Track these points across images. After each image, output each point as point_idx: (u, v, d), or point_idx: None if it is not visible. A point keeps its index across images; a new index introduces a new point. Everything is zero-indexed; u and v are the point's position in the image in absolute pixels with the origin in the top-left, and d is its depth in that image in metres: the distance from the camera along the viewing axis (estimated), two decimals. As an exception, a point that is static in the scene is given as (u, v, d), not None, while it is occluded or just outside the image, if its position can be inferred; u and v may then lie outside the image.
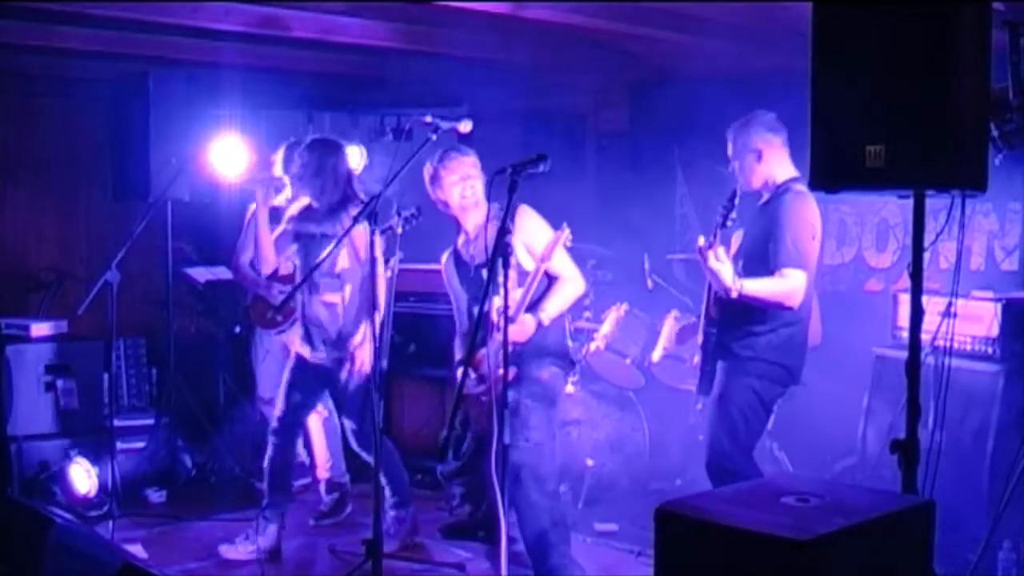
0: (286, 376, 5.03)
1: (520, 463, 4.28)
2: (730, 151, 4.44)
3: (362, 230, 4.61)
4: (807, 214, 4.26)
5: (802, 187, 4.28)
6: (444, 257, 4.74)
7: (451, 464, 4.81)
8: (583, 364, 5.86)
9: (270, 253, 5.02)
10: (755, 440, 4.38)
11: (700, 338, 4.51)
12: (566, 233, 4.35)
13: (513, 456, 4.27)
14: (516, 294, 4.36)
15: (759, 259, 4.25)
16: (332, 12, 5.36)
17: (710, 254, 4.05)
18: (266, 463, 4.98)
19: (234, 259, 5.71)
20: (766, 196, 4.38)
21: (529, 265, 4.43)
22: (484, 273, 4.36)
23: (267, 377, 5.94)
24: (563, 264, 4.46)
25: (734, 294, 4.11)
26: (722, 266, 4.06)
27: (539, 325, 4.35)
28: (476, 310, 4.02)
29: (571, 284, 4.46)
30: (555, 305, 4.40)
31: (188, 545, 5.08)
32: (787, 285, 4.17)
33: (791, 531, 2.43)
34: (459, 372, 4.33)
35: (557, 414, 4.57)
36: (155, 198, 5.86)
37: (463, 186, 4.48)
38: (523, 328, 4.32)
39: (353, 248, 4.88)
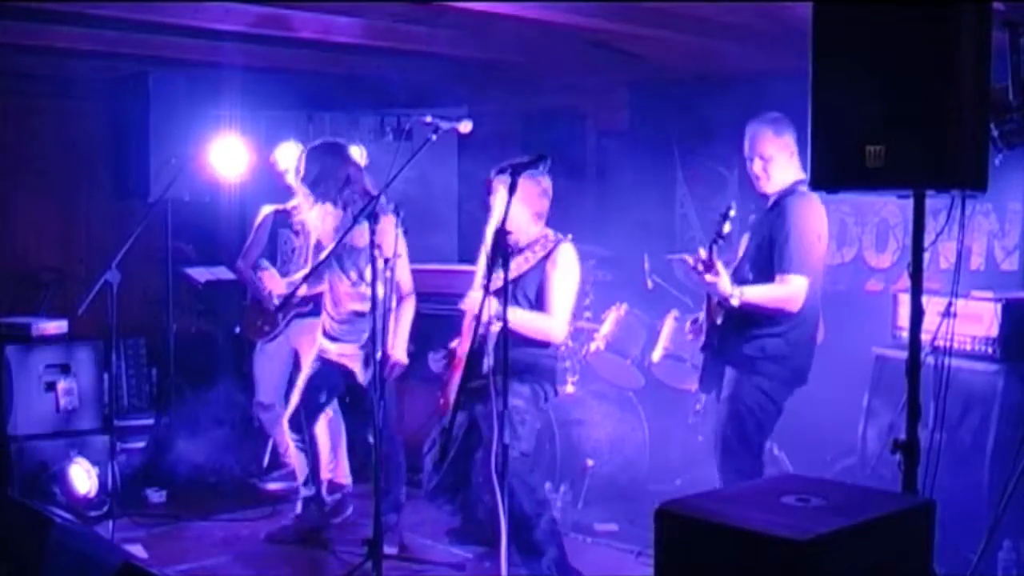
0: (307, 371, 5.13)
1: (509, 474, 4.27)
2: (746, 150, 4.41)
3: (390, 230, 4.56)
4: (811, 217, 4.25)
5: (805, 186, 4.28)
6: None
7: (433, 480, 4.72)
8: (583, 364, 5.87)
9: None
10: (765, 440, 4.40)
11: (703, 339, 4.51)
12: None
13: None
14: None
15: (764, 264, 4.26)
16: (332, 12, 5.35)
17: (707, 275, 4.05)
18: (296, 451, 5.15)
19: (238, 261, 5.74)
20: (772, 199, 4.38)
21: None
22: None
23: (266, 382, 5.95)
24: (559, 305, 4.39)
25: (734, 302, 4.11)
26: (718, 279, 4.06)
27: (495, 318, 4.15)
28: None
29: (551, 324, 4.38)
30: (521, 318, 4.24)
31: (188, 545, 5.08)
32: (787, 290, 4.18)
33: (791, 531, 2.43)
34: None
35: (554, 413, 4.56)
36: (155, 198, 5.87)
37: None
38: (473, 302, 4.30)
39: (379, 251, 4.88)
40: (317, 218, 5.01)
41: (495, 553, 4.21)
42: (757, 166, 4.35)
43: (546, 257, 4.41)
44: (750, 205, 5.44)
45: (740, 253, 4.51)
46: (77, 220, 7.51)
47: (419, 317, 5.59)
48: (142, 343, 7.34)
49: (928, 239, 3.17)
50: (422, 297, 6.13)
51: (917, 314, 3.17)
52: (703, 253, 4.09)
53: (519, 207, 4.32)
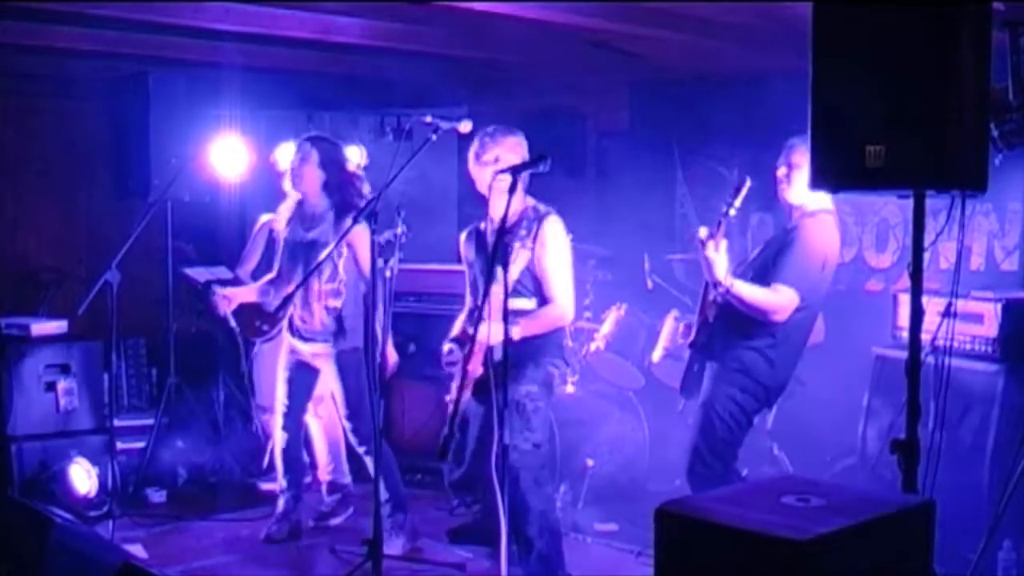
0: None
1: (519, 466, 4.24)
2: (780, 160, 4.40)
3: (363, 235, 4.57)
4: (822, 241, 4.27)
5: (829, 217, 4.32)
6: (463, 236, 4.65)
7: (455, 473, 4.74)
8: (583, 364, 5.86)
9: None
10: (735, 449, 4.40)
11: (691, 337, 4.52)
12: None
13: (512, 457, 4.25)
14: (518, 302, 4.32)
15: (766, 274, 4.26)
16: (332, 12, 5.36)
17: (709, 243, 4.07)
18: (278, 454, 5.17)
19: (236, 269, 5.74)
20: (793, 221, 4.38)
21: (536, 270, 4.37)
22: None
23: (266, 385, 5.94)
24: (560, 288, 4.36)
25: (723, 286, 4.12)
26: (717, 257, 4.09)
27: (507, 337, 4.11)
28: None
29: (560, 313, 4.35)
30: (530, 326, 4.20)
31: (188, 545, 5.08)
32: (775, 299, 4.19)
33: (791, 531, 2.43)
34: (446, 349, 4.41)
35: (554, 413, 4.53)
36: (155, 198, 5.87)
37: (495, 168, 4.25)
38: (491, 333, 4.19)
39: (353, 256, 4.89)
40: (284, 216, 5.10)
41: (495, 553, 4.21)
42: (782, 172, 4.37)
43: (534, 240, 4.34)
44: (750, 207, 5.44)
45: (752, 256, 4.53)
46: (77, 220, 7.51)
47: (419, 317, 5.61)
48: (142, 343, 7.34)
49: (928, 239, 3.17)
50: (422, 297, 6.15)
51: (917, 314, 3.17)
52: (703, 232, 4.11)
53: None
